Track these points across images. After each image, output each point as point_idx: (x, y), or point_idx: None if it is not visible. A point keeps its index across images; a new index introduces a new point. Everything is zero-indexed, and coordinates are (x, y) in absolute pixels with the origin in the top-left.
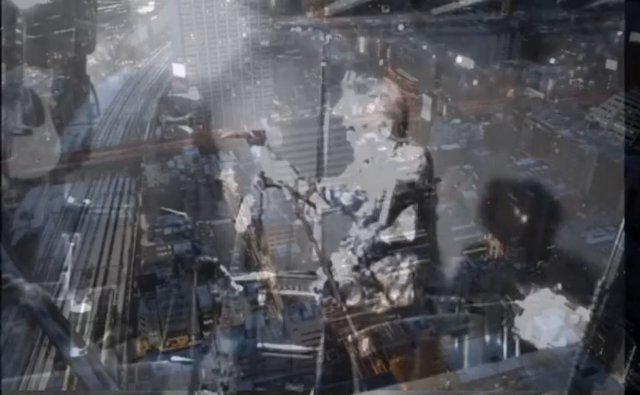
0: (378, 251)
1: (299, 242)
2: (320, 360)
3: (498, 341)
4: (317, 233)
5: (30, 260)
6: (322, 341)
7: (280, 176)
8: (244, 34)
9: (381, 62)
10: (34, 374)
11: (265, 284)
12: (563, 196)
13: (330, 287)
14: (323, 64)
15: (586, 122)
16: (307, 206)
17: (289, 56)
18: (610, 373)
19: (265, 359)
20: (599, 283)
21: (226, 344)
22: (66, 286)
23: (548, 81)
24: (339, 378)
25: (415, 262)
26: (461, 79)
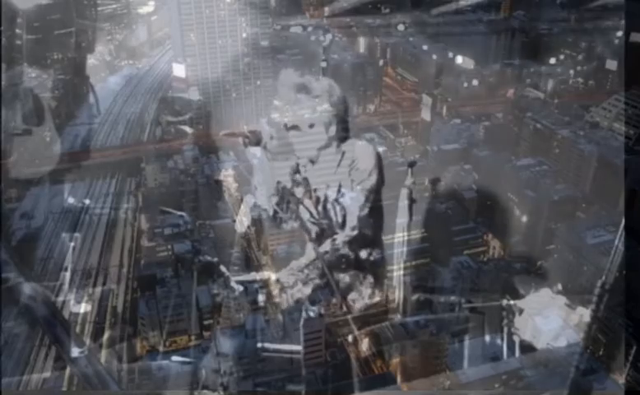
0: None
1: (299, 242)
2: (321, 359)
3: (498, 341)
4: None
5: (30, 260)
6: (322, 340)
7: (278, 177)
8: (244, 35)
9: (381, 63)
10: (34, 374)
11: (265, 284)
12: (563, 196)
13: (330, 287)
14: (323, 64)
15: (585, 122)
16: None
17: (289, 56)
18: (610, 373)
19: (265, 359)
20: (599, 283)
21: (226, 344)
22: (66, 286)
23: (548, 81)
24: (339, 378)
25: None
26: (461, 79)
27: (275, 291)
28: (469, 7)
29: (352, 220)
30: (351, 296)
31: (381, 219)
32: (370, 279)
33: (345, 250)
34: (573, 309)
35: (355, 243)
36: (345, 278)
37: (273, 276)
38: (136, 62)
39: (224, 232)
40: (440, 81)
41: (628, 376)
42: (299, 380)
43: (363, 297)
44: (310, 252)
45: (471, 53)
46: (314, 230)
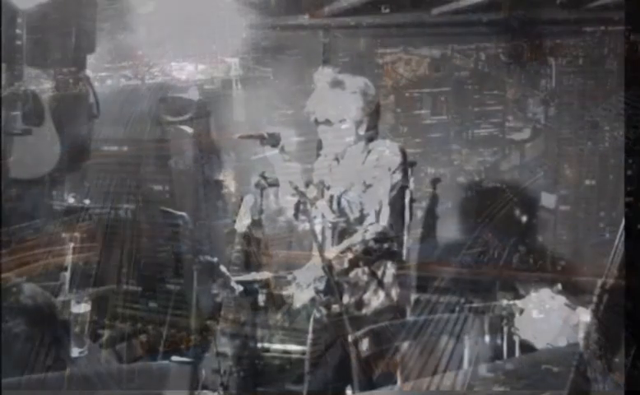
0: None
1: (299, 242)
2: (321, 359)
3: (498, 341)
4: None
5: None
6: (323, 340)
7: (289, 176)
8: (244, 35)
9: (381, 62)
10: (34, 374)
11: (265, 283)
12: (563, 195)
13: (329, 286)
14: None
15: (586, 122)
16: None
17: (289, 56)
18: (610, 373)
19: (265, 359)
20: (599, 283)
21: (226, 344)
22: (66, 286)
23: (548, 81)
24: (339, 378)
25: None
26: (460, 79)
27: (287, 291)
28: (469, 7)
29: (380, 215)
30: (366, 296)
31: (401, 217)
32: (387, 279)
33: (373, 243)
34: (573, 309)
35: (380, 237)
36: (363, 277)
37: (289, 276)
38: (136, 62)
39: (224, 232)
40: (440, 81)
41: (628, 376)
42: (299, 380)
43: (378, 298)
44: (330, 249)
45: (471, 52)
46: (333, 230)
